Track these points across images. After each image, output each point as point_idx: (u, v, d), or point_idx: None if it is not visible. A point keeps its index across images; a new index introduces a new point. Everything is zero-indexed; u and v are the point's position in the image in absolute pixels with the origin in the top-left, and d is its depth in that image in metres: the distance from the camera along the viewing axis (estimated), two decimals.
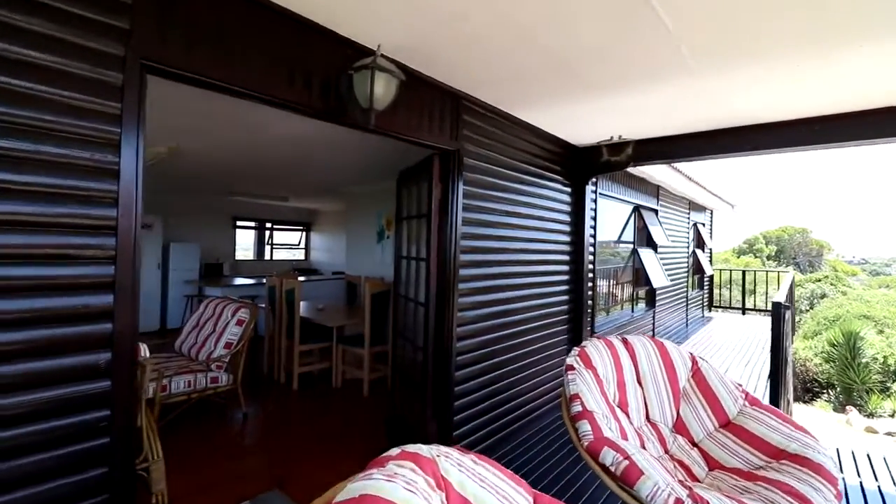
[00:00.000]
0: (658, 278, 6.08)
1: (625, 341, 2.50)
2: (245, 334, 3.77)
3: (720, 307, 11.04)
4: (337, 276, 8.47)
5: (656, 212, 6.59)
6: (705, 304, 10.29)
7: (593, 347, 2.33)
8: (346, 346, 4.53)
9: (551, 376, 3.90)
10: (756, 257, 31.30)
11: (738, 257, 30.10)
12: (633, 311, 6.03)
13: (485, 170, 3.05)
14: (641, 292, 6.36)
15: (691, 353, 2.55)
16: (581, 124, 3.50)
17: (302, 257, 10.71)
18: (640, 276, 6.18)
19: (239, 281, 7.73)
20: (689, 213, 8.58)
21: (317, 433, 3.44)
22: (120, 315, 1.46)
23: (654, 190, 6.54)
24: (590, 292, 4.42)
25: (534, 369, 3.65)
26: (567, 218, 4.10)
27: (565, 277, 4.08)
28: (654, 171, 5.42)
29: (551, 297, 3.87)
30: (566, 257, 4.09)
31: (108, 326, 1.44)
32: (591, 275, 4.44)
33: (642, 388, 2.39)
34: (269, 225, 9.96)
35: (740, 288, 11.31)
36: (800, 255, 32.07)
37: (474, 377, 3.01)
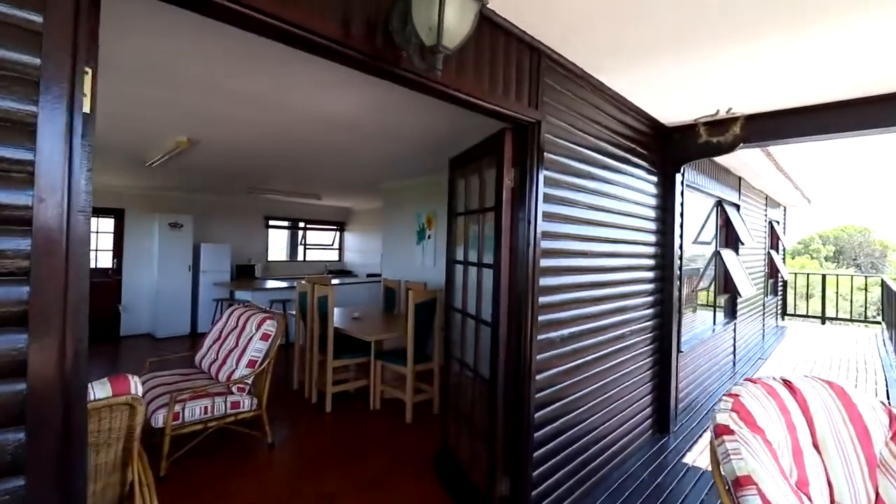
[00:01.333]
0: (745, 285, 5.19)
1: (788, 385, 1.75)
2: (271, 351, 3.23)
3: (794, 315, 9.83)
4: (372, 279, 7.95)
5: (738, 207, 5.68)
6: (779, 312, 9.17)
7: (751, 397, 1.61)
8: (385, 363, 3.93)
9: (636, 409, 3.16)
10: (812, 258, 29.10)
11: (793, 258, 27.98)
12: (714, 323, 5.17)
13: (568, 151, 2.36)
14: (720, 301, 5.48)
15: (886, 405, 1.77)
16: (679, 93, 2.75)
17: (335, 258, 10.29)
18: (722, 283, 5.30)
19: (271, 284, 7.31)
20: (765, 210, 7.56)
21: (356, 472, 2.84)
22: (40, 366, 0.88)
23: (736, 182, 5.63)
24: (677, 304, 3.64)
25: (619, 401, 2.93)
26: (653, 213, 3.34)
27: (650, 287, 3.33)
28: (744, 158, 4.56)
29: (636, 310, 3.13)
30: (651, 262, 3.34)
31: (17, 388, 0.86)
32: (678, 282, 3.66)
33: (821, 456, 1.65)
34: (302, 224, 9.57)
35: (801, 293, 10.09)
36: (861, 257, 29.72)
37: (556, 417, 2.32)
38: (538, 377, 2.17)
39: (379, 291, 7.25)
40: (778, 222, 8.84)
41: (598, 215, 2.63)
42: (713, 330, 5.01)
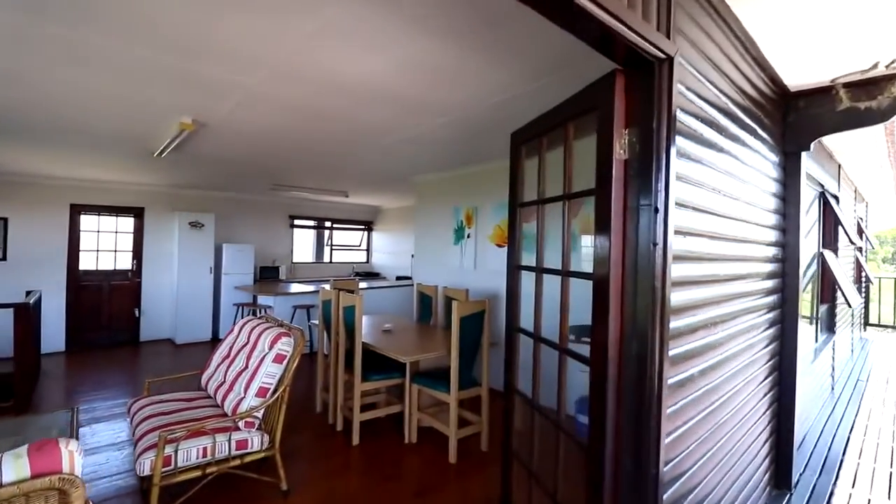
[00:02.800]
0: (852, 294, 4.29)
1: None
2: (286, 377, 2.62)
3: (878, 326, 8.65)
4: (402, 283, 7.33)
5: (837, 199, 4.76)
6: (861, 322, 8.04)
7: None
8: (422, 387, 3.28)
9: (756, 462, 2.39)
10: (869, 260, 27.10)
11: None
12: (815, 340, 4.28)
13: (699, 110, 1.64)
14: (819, 312, 4.58)
15: None
16: (819, 41, 2.00)
17: (363, 259, 9.75)
18: (821, 290, 4.41)
19: (296, 287, 6.80)
20: (855, 204, 6.54)
21: None
22: None
23: (835, 170, 4.72)
24: (798, 322, 2.83)
25: (742, 455, 2.17)
26: (773, 204, 2.56)
27: (770, 300, 2.55)
28: (866, 136, 3.69)
29: (757, 332, 2.36)
30: (770, 267, 2.55)
31: None
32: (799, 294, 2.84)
33: None
34: (328, 224, 9.06)
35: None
36: None
37: (684, 496, 1.60)
38: (668, 439, 1.45)
39: (411, 297, 6.63)
40: (862, 219, 7.75)
41: (728, 205, 1.90)
42: (815, 349, 4.14)
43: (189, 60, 2.19)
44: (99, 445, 3.22)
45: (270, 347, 2.68)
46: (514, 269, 2.18)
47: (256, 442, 2.50)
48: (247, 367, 2.76)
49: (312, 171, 5.22)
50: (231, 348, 3.10)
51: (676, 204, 1.47)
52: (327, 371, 3.84)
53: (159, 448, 2.19)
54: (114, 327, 6.62)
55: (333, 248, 9.24)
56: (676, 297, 1.47)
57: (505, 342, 2.19)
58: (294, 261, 8.51)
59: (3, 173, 5.50)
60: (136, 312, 6.76)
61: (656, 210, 1.39)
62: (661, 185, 1.39)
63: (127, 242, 6.77)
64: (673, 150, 1.41)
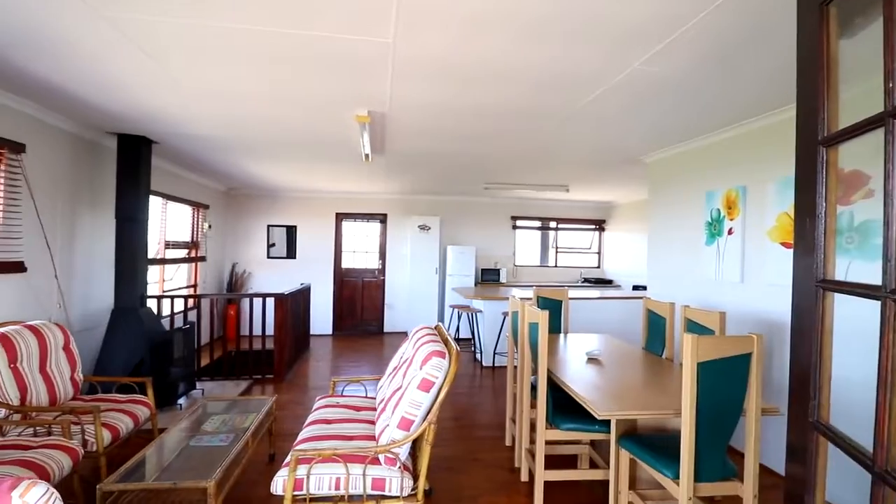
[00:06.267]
0: None
1: None
2: (434, 408, 2.05)
3: None
4: (636, 295, 5.93)
5: None
6: None
7: None
8: (634, 455, 2.18)
9: None
10: None
11: None
12: None
13: None
14: None
15: None
16: None
17: (594, 264, 8.57)
18: None
19: (516, 292, 6.34)
20: None
21: None
22: None
23: None
24: None
25: None
26: None
27: None
28: None
29: None
30: None
31: None
32: None
33: None
34: (553, 224, 8.33)
35: None
36: None
37: None
38: None
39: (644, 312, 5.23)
40: None
41: None
42: None
43: (309, 25, 1.88)
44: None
45: (421, 368, 2.16)
46: (811, 288, 0.98)
47: (395, 485, 2.01)
48: (401, 385, 2.33)
49: (517, 159, 4.60)
50: (402, 358, 2.76)
51: None
52: (514, 400, 3.13)
53: (290, 469, 1.94)
54: (365, 318, 7.65)
55: (559, 250, 8.44)
56: None
57: (787, 449, 1.00)
58: (516, 263, 8.13)
59: (292, 191, 7.05)
60: (384, 306, 7.64)
61: None
62: None
63: (375, 245, 7.74)
64: None
